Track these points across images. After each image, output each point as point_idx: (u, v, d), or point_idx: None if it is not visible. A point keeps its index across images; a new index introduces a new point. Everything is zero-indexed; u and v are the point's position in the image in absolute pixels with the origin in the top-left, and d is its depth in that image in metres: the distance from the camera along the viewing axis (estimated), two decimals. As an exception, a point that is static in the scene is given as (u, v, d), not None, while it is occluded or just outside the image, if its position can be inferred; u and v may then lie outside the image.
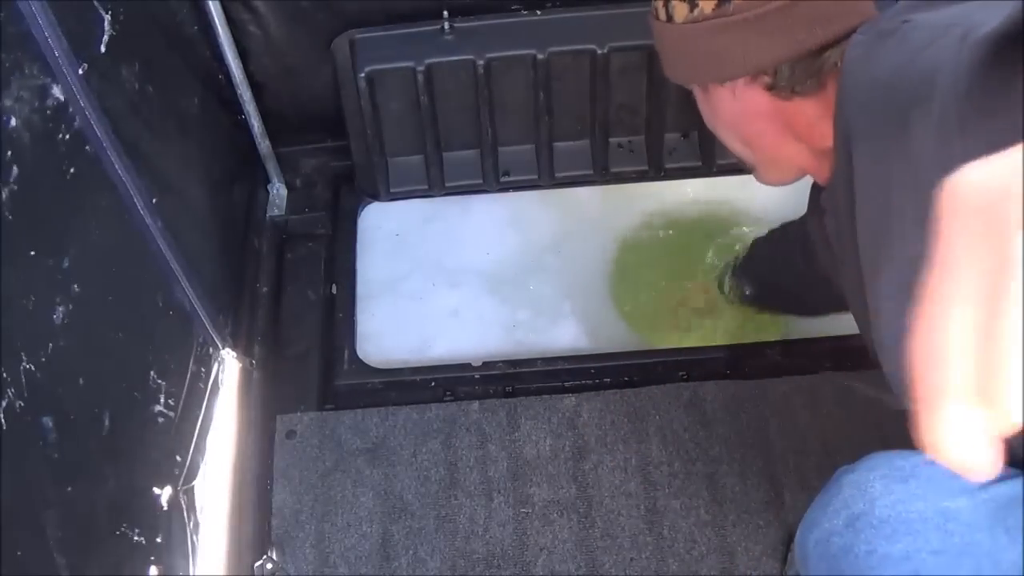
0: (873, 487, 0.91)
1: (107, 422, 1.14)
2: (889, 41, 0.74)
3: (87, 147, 1.13)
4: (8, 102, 0.98)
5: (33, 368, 0.98)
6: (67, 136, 1.09)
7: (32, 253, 1.01)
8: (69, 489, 1.04)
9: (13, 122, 0.99)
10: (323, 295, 1.76)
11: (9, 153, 0.98)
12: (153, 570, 1.19)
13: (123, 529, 1.15)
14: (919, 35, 0.71)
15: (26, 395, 0.96)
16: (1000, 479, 0.87)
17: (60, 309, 1.05)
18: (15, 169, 0.98)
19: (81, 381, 1.09)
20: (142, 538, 1.18)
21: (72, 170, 1.10)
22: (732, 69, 0.91)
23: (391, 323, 1.74)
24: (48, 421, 1.01)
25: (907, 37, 0.72)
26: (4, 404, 0.93)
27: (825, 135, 0.87)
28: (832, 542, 0.92)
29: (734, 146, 1.01)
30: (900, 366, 0.49)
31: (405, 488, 1.51)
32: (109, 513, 1.13)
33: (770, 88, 0.91)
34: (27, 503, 0.96)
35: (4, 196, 0.96)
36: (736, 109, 0.95)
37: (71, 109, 1.09)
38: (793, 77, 0.89)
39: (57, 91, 1.06)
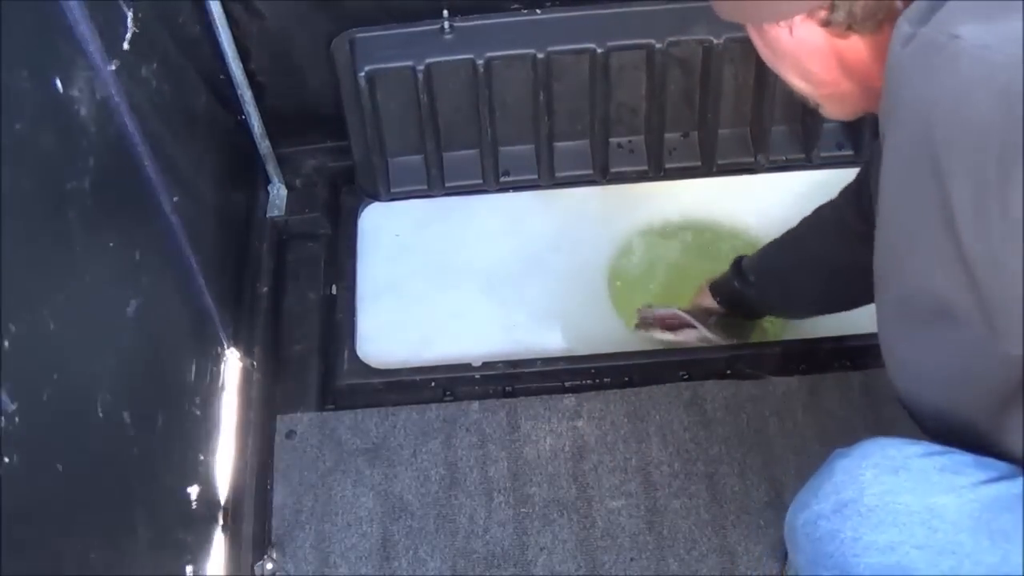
0: (864, 475, 0.92)
1: (160, 420, 1.14)
2: (936, 60, 0.74)
3: (126, 142, 1.13)
4: (75, 92, 0.98)
5: (115, 363, 0.98)
6: (112, 131, 1.09)
7: (111, 244, 1.01)
8: (143, 487, 1.05)
9: (83, 112, 0.98)
10: (323, 295, 1.76)
11: (84, 143, 0.97)
12: (189, 569, 1.20)
13: (170, 528, 1.16)
14: (969, 68, 0.71)
15: (113, 389, 0.96)
16: (987, 480, 0.89)
17: (133, 303, 1.06)
18: (91, 159, 0.98)
19: (143, 379, 1.10)
20: (184, 536, 1.19)
21: (122, 164, 1.10)
22: (789, 6, 0.91)
23: (391, 323, 1.74)
24: (127, 416, 1.01)
25: (957, 65, 0.72)
26: (97, 398, 0.93)
27: (878, 78, 0.87)
28: (819, 525, 0.94)
29: (795, 83, 0.99)
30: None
31: (405, 488, 1.51)
32: (158, 511, 1.14)
33: (826, 24, 0.90)
34: (118, 499, 0.97)
35: (87, 185, 0.96)
36: (793, 47, 0.94)
37: (110, 104, 1.09)
38: (851, 15, 0.88)
39: (99, 86, 1.06)
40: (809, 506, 0.96)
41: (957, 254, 0.74)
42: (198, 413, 1.31)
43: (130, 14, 1.24)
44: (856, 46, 0.90)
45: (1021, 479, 0.88)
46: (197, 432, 1.31)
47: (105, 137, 1.05)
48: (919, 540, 0.88)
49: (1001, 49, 0.70)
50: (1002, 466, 0.90)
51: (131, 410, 1.03)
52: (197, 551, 1.25)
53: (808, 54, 0.93)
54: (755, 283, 1.54)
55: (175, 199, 1.26)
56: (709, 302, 1.64)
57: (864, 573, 0.90)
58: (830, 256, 1.41)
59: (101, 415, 0.95)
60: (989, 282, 0.74)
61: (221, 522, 1.42)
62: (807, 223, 1.48)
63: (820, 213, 1.45)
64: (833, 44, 0.91)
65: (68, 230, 0.93)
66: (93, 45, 1.04)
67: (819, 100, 1.01)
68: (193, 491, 1.26)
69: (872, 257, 0.94)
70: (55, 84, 0.94)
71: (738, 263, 1.57)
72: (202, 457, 1.33)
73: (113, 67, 1.10)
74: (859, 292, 1.25)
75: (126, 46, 1.22)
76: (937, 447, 0.93)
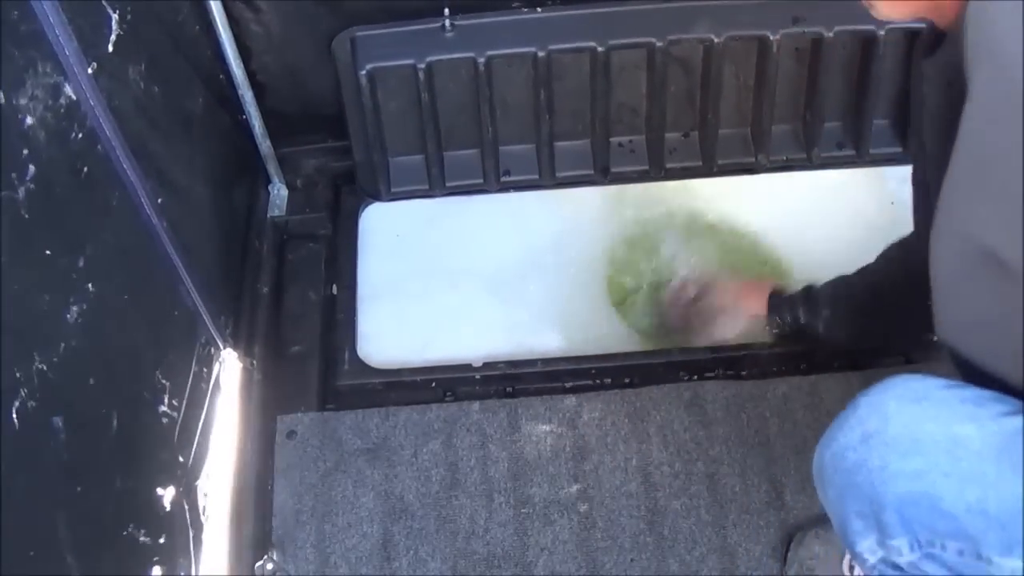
0: (887, 406, 0.94)
1: (115, 422, 1.14)
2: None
3: (98, 146, 1.13)
4: (23, 100, 0.97)
5: (46, 368, 0.98)
6: (80, 135, 1.09)
7: (48, 252, 1.01)
8: (78, 489, 1.04)
9: (29, 120, 0.98)
10: (323, 295, 1.76)
11: (25, 152, 0.97)
12: (157, 570, 1.19)
13: (129, 530, 1.15)
14: None
15: (38, 395, 0.96)
16: (1008, 412, 0.90)
17: (74, 308, 1.05)
18: (31, 168, 0.97)
19: (92, 381, 1.09)
20: (147, 538, 1.18)
21: (85, 169, 1.10)
22: None
23: (391, 323, 1.74)
24: (59, 421, 1.01)
25: None
26: (17, 404, 0.93)
27: None
28: (847, 456, 0.96)
29: None
30: None
31: (406, 488, 1.51)
32: (116, 513, 1.13)
33: None
34: (38, 503, 0.96)
35: (21, 195, 0.95)
36: None
37: (82, 108, 1.09)
38: None
39: (69, 90, 1.06)
40: (836, 439, 0.98)
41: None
42: (175, 415, 1.30)
43: (115, 16, 1.23)
44: None
45: None
46: (173, 433, 1.30)
47: (61, 143, 1.05)
48: (945, 468, 0.89)
49: None
50: (1021, 402, 0.91)
51: (69, 414, 1.02)
52: (169, 553, 1.24)
53: None
54: (825, 315, 1.47)
55: (159, 200, 1.26)
56: (757, 309, 1.55)
57: (894, 501, 0.92)
58: (901, 291, 1.34)
59: (16, 422, 0.94)
60: None
61: (221, 522, 1.42)
62: (883, 257, 1.41)
63: (891, 250, 1.40)
64: None
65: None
66: (68, 48, 1.04)
67: None
68: (166, 492, 1.25)
69: None
70: None
71: (809, 290, 1.50)
72: (181, 459, 1.32)
73: (91, 70, 1.10)
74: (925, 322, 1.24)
75: (110, 48, 1.22)
76: (958, 382, 0.94)
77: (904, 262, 1.36)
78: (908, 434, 0.92)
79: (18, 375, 0.93)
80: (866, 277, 1.43)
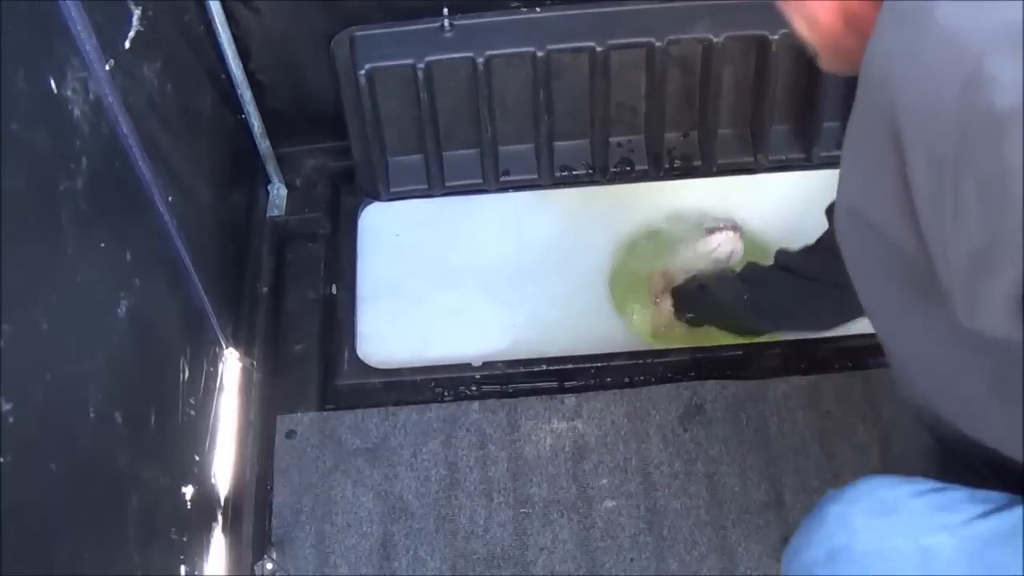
0: (855, 521, 0.91)
1: (153, 419, 1.14)
2: (906, 32, 0.73)
3: (120, 143, 1.13)
4: (68, 92, 0.98)
5: (104, 363, 0.99)
6: (105, 130, 1.09)
7: (102, 245, 1.01)
8: (131, 489, 1.05)
9: (76, 112, 0.98)
10: (323, 295, 1.76)
11: (78, 143, 0.98)
12: (183, 569, 1.20)
13: (163, 528, 1.16)
14: (935, 50, 0.70)
15: (103, 391, 0.96)
16: (982, 514, 0.88)
17: (124, 304, 1.06)
18: (84, 160, 0.98)
19: (137, 378, 1.10)
20: (179, 536, 1.19)
21: (117, 165, 1.10)
22: None
23: (391, 323, 1.74)
24: (119, 416, 1.01)
25: (924, 41, 0.71)
26: (90, 399, 0.93)
27: None
28: (814, 573, 0.93)
29: (799, 26, 0.96)
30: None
31: (405, 488, 1.51)
32: (154, 511, 1.14)
33: None
34: (101, 499, 0.97)
35: (79, 185, 0.96)
36: None
37: (104, 104, 1.09)
38: None
39: (93, 86, 1.06)
40: (800, 553, 0.95)
41: (911, 210, 0.74)
42: (192, 413, 1.31)
43: (137, 12, 1.24)
44: (864, 3, 0.87)
45: (1017, 508, 0.87)
46: (192, 432, 1.31)
47: (98, 137, 1.06)
48: None
49: (973, 37, 0.67)
50: (997, 497, 0.90)
51: (123, 410, 1.03)
52: (193, 551, 1.25)
53: (817, 2, 0.91)
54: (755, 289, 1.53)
55: (170, 199, 1.26)
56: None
57: None
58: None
59: (93, 415, 0.95)
60: (938, 261, 0.73)
61: (221, 522, 1.42)
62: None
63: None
64: None
65: (61, 230, 0.94)
66: (89, 44, 1.04)
67: (819, 50, 0.98)
68: (188, 491, 1.26)
69: None
70: (49, 84, 0.94)
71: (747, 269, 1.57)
72: (197, 457, 1.33)
73: (108, 67, 1.10)
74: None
75: (127, 45, 1.22)
76: (930, 484, 0.92)
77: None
78: (876, 550, 0.89)
79: (86, 369, 0.94)
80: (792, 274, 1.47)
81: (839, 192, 0.93)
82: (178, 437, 1.26)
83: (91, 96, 1.04)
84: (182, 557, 1.20)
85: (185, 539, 1.23)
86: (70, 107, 0.97)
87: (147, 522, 1.11)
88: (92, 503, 0.98)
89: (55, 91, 0.94)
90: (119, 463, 1.03)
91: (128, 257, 1.08)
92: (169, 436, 1.22)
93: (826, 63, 1.00)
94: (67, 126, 0.97)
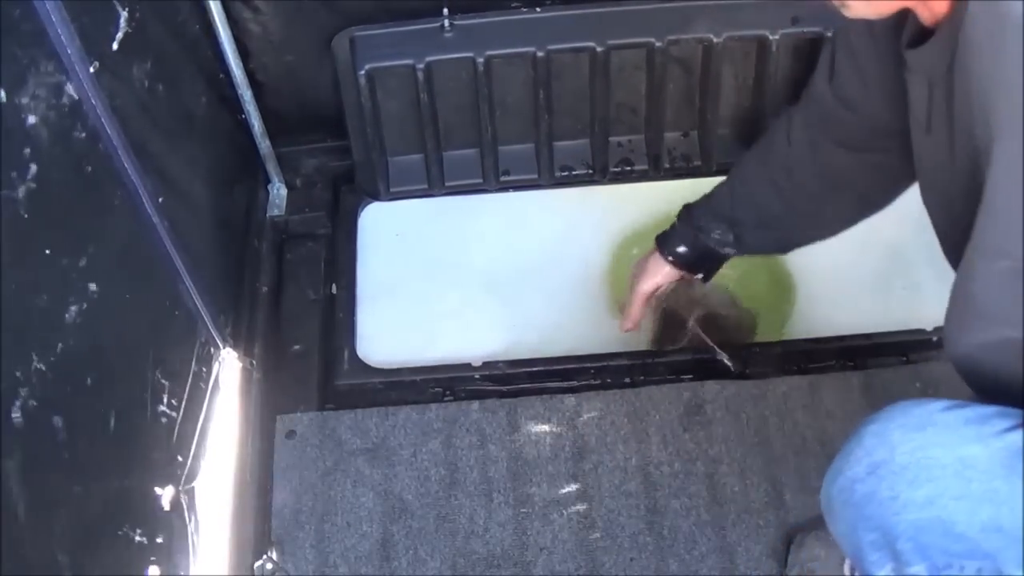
0: (893, 435, 0.93)
1: (113, 422, 1.13)
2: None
3: (100, 146, 1.13)
4: (25, 100, 0.97)
5: (44, 368, 0.98)
6: (82, 134, 1.09)
7: (47, 252, 1.01)
8: (76, 488, 1.04)
9: (31, 120, 0.98)
10: (323, 295, 1.76)
11: (27, 151, 0.97)
12: (154, 570, 1.19)
13: (125, 529, 1.15)
14: None
15: (38, 395, 0.96)
16: (1013, 427, 0.89)
17: (73, 308, 1.05)
18: (33, 167, 0.98)
19: (89, 381, 1.09)
20: (144, 538, 1.18)
21: (88, 169, 1.10)
22: None
23: (391, 323, 1.74)
24: (59, 420, 1.01)
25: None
26: (18, 403, 0.93)
27: None
28: (855, 489, 0.95)
29: None
30: None
31: (405, 488, 1.51)
32: (113, 513, 1.13)
33: None
34: (37, 502, 0.96)
35: (21, 194, 0.96)
36: None
37: (84, 107, 1.09)
38: None
39: (71, 89, 1.06)
40: (843, 472, 0.97)
41: None
42: (173, 414, 1.30)
43: (124, 14, 1.23)
44: None
45: None
46: (169, 433, 1.30)
47: (66, 141, 1.05)
48: (956, 491, 0.89)
49: None
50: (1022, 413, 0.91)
51: (64, 415, 1.02)
52: (167, 553, 1.24)
53: None
54: (728, 225, 1.43)
55: (160, 199, 1.26)
56: (659, 273, 1.52)
57: (908, 530, 0.91)
58: (810, 174, 1.33)
59: (21, 420, 0.94)
60: None
61: (221, 522, 1.42)
62: (773, 152, 1.37)
63: (778, 136, 1.35)
64: None
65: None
66: (71, 47, 1.04)
67: None
68: (164, 492, 1.25)
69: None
70: None
71: (689, 212, 1.47)
72: (179, 458, 1.32)
73: (93, 69, 1.10)
74: (847, 205, 1.26)
75: (115, 46, 1.22)
76: (959, 401, 0.94)
77: (803, 140, 1.31)
78: (916, 462, 0.91)
79: (18, 375, 0.93)
80: (752, 167, 1.40)
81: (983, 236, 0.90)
82: (151, 439, 1.25)
83: (64, 100, 1.04)
84: (153, 559, 1.20)
85: (159, 541, 1.22)
86: (22, 115, 0.97)
87: (108, 524, 1.11)
88: (49, 506, 0.98)
89: (4, 100, 0.94)
90: (58, 466, 1.02)
91: (82, 263, 1.07)
92: (136, 438, 1.21)
93: (854, 7, 0.95)
94: (14, 134, 0.96)
